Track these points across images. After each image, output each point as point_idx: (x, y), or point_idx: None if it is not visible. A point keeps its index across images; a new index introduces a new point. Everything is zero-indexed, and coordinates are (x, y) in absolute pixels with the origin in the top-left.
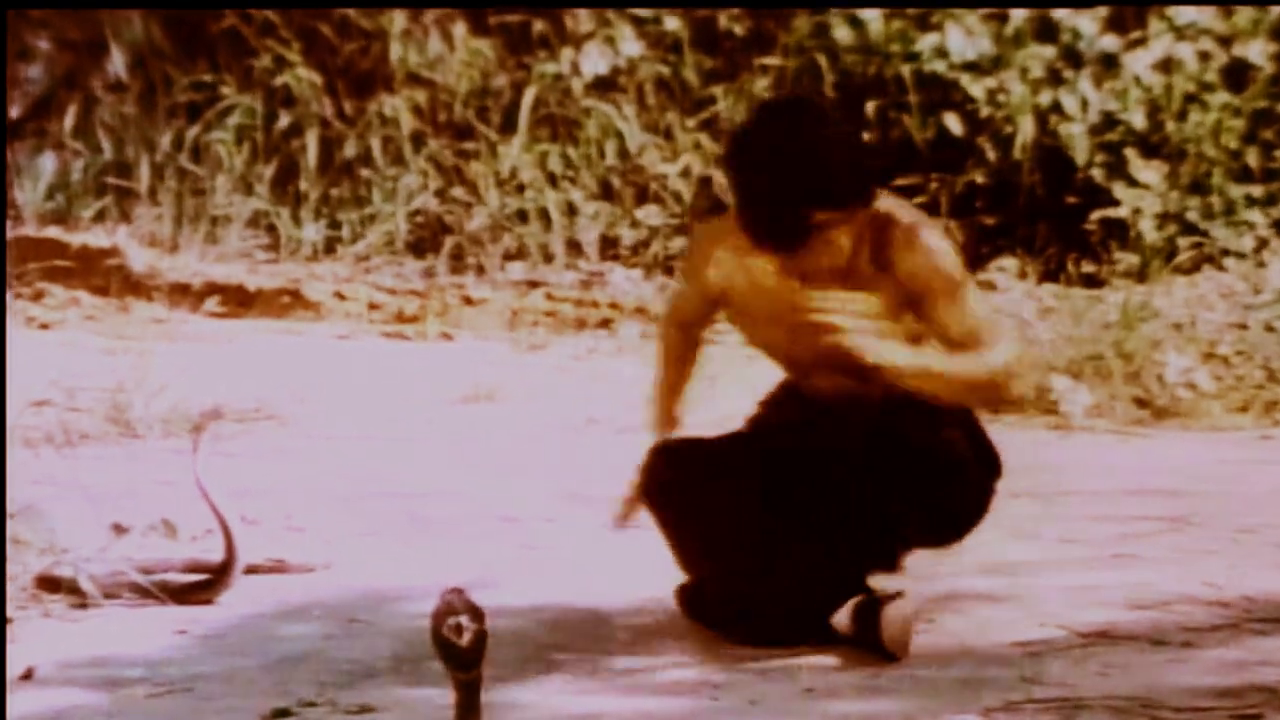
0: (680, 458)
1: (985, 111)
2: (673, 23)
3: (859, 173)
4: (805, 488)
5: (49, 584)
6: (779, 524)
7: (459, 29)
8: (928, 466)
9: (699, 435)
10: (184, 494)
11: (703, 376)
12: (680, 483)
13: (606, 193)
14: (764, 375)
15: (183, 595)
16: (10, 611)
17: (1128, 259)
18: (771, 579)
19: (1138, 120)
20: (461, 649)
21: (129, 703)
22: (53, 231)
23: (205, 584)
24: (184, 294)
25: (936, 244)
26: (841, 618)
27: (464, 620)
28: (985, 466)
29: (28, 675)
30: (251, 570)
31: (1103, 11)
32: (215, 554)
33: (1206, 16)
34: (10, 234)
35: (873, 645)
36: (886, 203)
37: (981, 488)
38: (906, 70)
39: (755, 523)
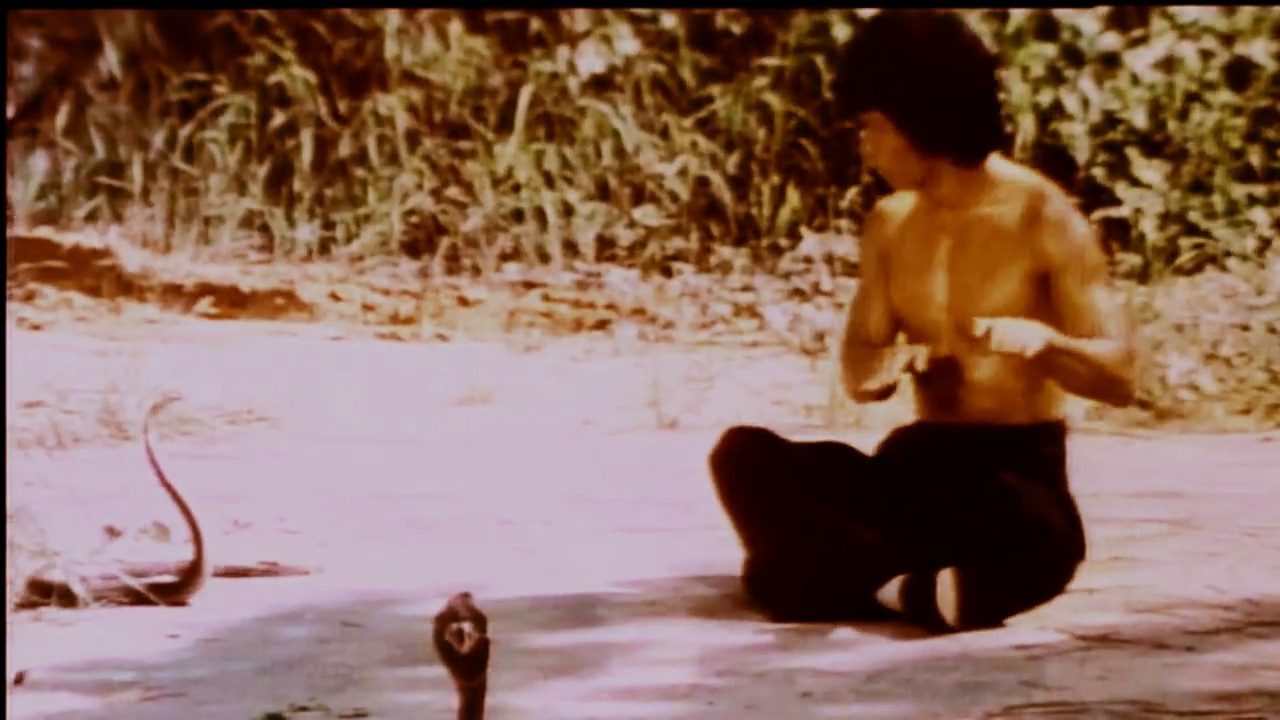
0: (758, 439)
1: None
2: (670, 21)
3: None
4: (886, 490)
5: (40, 588)
6: (847, 512)
7: (454, 27)
8: (1015, 526)
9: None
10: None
11: (701, 378)
12: (754, 462)
13: (603, 193)
14: (765, 377)
15: (155, 596)
16: None
17: (1129, 259)
18: (825, 555)
19: (1139, 119)
20: (462, 656)
21: (121, 707)
22: (44, 232)
23: (176, 584)
24: (177, 295)
25: (1084, 230)
26: (890, 594)
27: (466, 627)
28: (1070, 544)
29: (19, 680)
30: (244, 573)
31: (1104, 10)
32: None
33: (1208, 15)
34: None
35: (928, 617)
36: (1044, 184)
37: (1061, 564)
38: None
39: (824, 505)
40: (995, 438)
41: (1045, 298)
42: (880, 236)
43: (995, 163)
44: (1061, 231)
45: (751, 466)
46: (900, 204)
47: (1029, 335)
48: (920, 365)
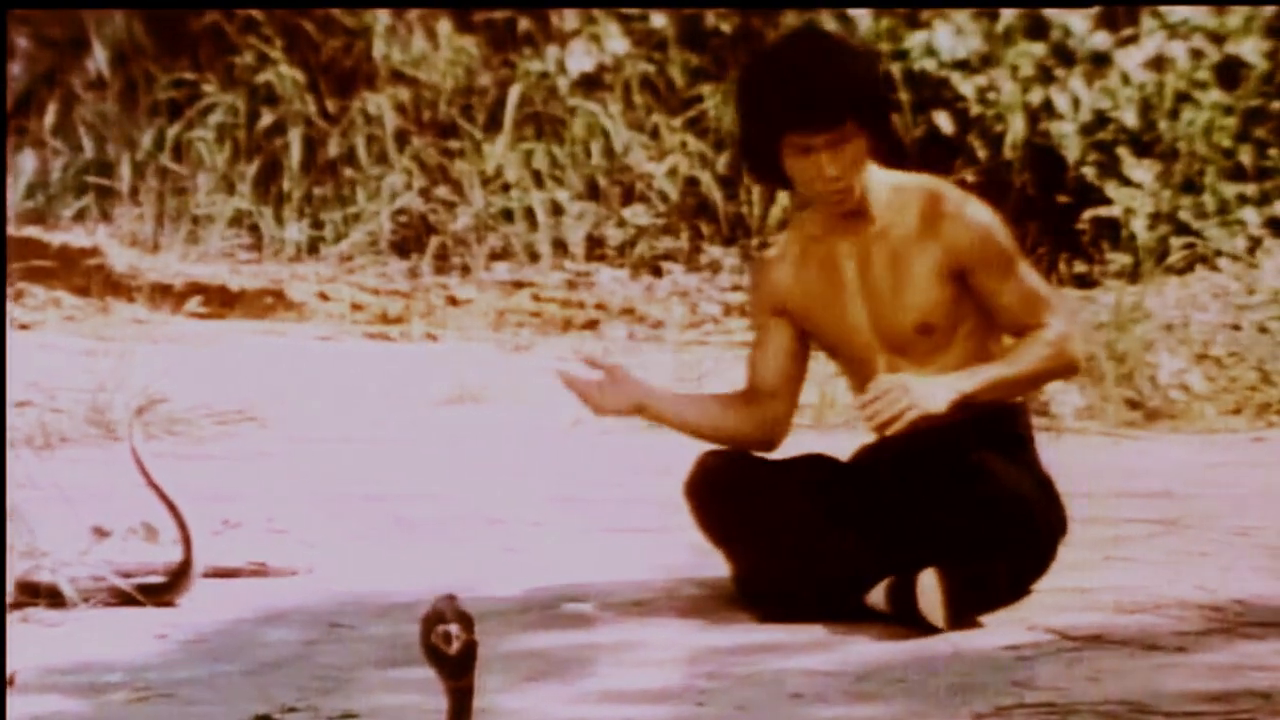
0: (731, 461)
1: (975, 110)
2: (659, 21)
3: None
4: (862, 496)
5: (29, 589)
6: (825, 519)
7: (443, 26)
8: (996, 504)
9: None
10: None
11: (691, 378)
12: (729, 484)
13: (593, 192)
14: None
15: (143, 597)
16: None
17: (1120, 259)
18: (810, 561)
19: (1129, 119)
20: (449, 658)
21: (110, 708)
22: (32, 231)
23: (164, 585)
24: (165, 294)
25: (984, 218)
26: (876, 597)
27: (453, 629)
28: (1051, 519)
29: (11, 682)
30: (233, 574)
31: (1094, 9)
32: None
33: (1199, 14)
34: None
35: (912, 618)
36: (934, 181)
37: (1044, 542)
38: (896, 68)
39: (801, 513)
40: (960, 428)
41: (967, 293)
42: (776, 286)
43: (878, 171)
44: (962, 224)
45: (726, 489)
46: (783, 250)
47: (935, 396)
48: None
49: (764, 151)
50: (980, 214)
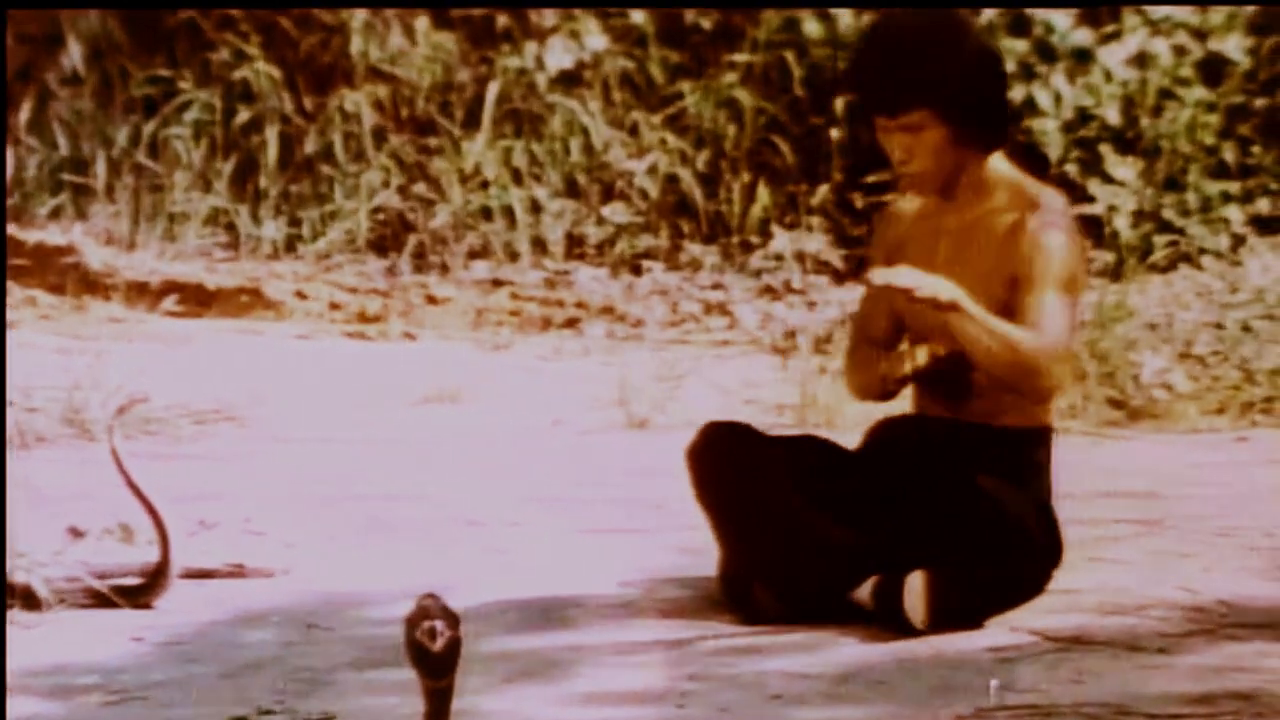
0: (737, 433)
1: None
2: (639, 17)
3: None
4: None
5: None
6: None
7: (421, 23)
8: (995, 529)
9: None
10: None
11: (671, 376)
12: (732, 457)
13: (572, 190)
14: (736, 376)
15: (120, 598)
16: None
17: (1103, 257)
18: (800, 554)
19: (1112, 116)
20: (435, 655)
21: (84, 711)
22: (8, 229)
23: (141, 587)
24: (141, 293)
25: (1056, 241)
26: (863, 593)
27: (439, 625)
28: (1048, 552)
29: None
30: (209, 575)
31: (1076, 7)
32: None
33: (1181, 11)
34: None
35: (894, 618)
36: (1046, 192)
37: (1037, 570)
38: None
39: (798, 501)
40: (984, 438)
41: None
42: (889, 237)
43: (996, 162)
44: (1037, 241)
45: (729, 461)
46: (909, 206)
47: (941, 287)
48: (920, 361)
49: (868, 122)
50: (1055, 237)
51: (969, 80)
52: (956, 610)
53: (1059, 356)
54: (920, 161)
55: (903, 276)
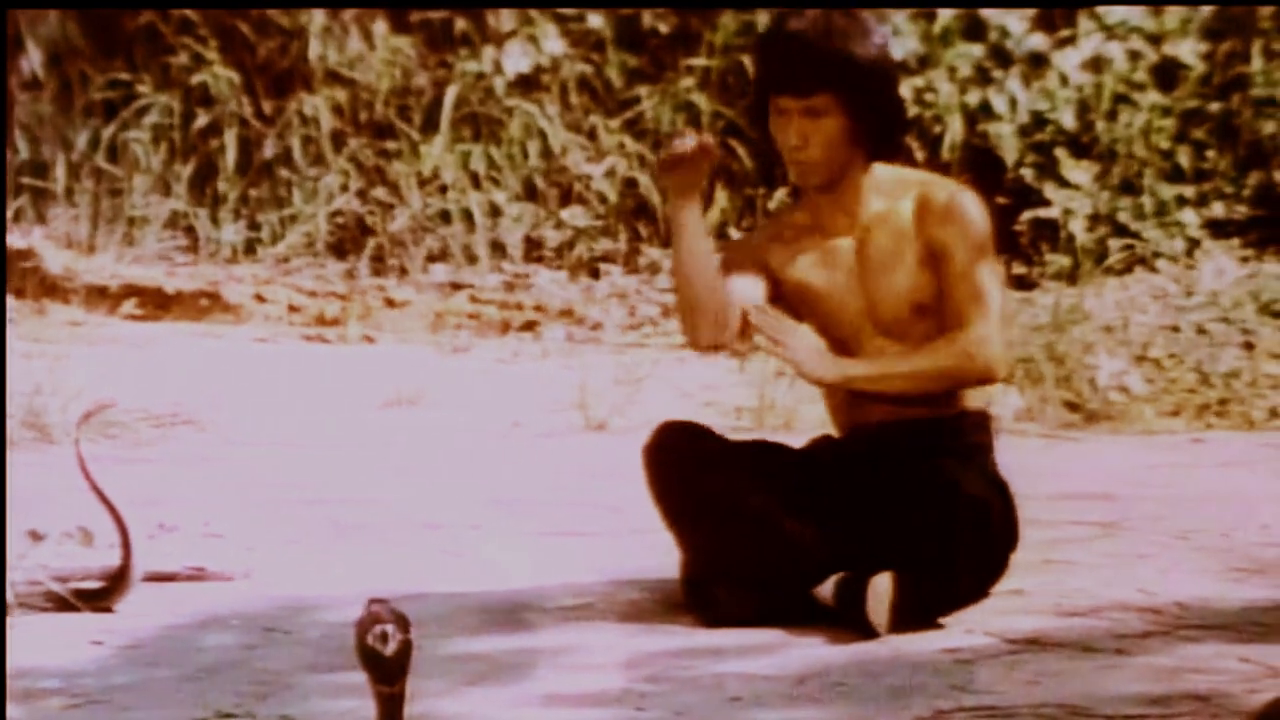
0: (693, 433)
1: (913, 111)
2: (596, 21)
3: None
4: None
5: None
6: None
7: (379, 27)
8: (957, 510)
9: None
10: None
11: (630, 379)
12: (688, 456)
13: (530, 193)
14: (694, 378)
15: (81, 602)
16: None
17: (1058, 261)
18: (761, 550)
19: (1067, 120)
20: (387, 659)
21: (44, 714)
22: None
23: (102, 590)
24: (101, 296)
25: (968, 212)
26: (825, 592)
27: (390, 629)
28: (1008, 528)
29: None
30: (169, 578)
31: (1031, 10)
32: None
33: (1136, 15)
34: None
35: (855, 620)
36: (933, 176)
37: (999, 551)
38: None
39: (756, 499)
40: (923, 429)
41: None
42: (761, 251)
43: (880, 169)
44: (950, 211)
45: (685, 460)
46: (768, 232)
47: (819, 365)
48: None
49: (757, 106)
50: (964, 207)
51: (876, 76)
52: (920, 611)
53: (988, 342)
54: (815, 150)
55: (793, 353)
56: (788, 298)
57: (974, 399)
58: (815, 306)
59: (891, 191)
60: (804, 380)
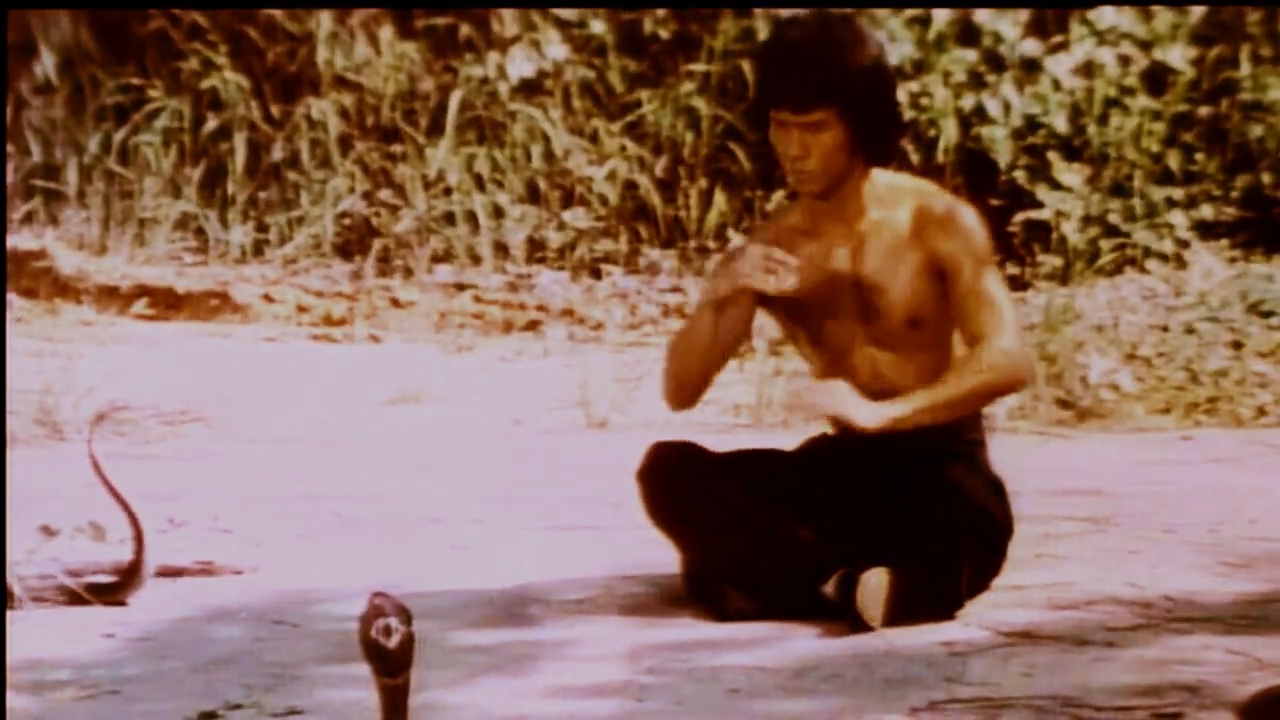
0: (684, 451)
1: (909, 115)
2: (598, 27)
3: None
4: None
5: None
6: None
7: (385, 32)
8: (955, 515)
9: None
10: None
11: (630, 378)
12: (682, 473)
13: (533, 195)
14: None
15: (93, 596)
16: None
17: (1051, 261)
18: (765, 554)
19: (1060, 124)
20: (390, 651)
21: (56, 706)
22: None
23: (115, 585)
24: (112, 296)
25: (967, 223)
26: (829, 587)
27: (393, 622)
28: (1005, 525)
29: None
30: (179, 573)
31: (1024, 16)
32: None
33: (1127, 21)
34: None
35: (849, 615)
36: (928, 184)
37: (997, 548)
38: None
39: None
40: (920, 427)
41: (944, 291)
42: (773, 243)
43: (878, 174)
44: (945, 226)
45: (679, 479)
46: (783, 221)
47: (864, 412)
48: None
49: (758, 117)
50: (964, 219)
51: (873, 86)
52: (914, 606)
53: (1011, 354)
54: (815, 160)
55: (836, 406)
56: (781, 304)
57: None
58: (808, 314)
59: (886, 199)
60: (852, 429)
